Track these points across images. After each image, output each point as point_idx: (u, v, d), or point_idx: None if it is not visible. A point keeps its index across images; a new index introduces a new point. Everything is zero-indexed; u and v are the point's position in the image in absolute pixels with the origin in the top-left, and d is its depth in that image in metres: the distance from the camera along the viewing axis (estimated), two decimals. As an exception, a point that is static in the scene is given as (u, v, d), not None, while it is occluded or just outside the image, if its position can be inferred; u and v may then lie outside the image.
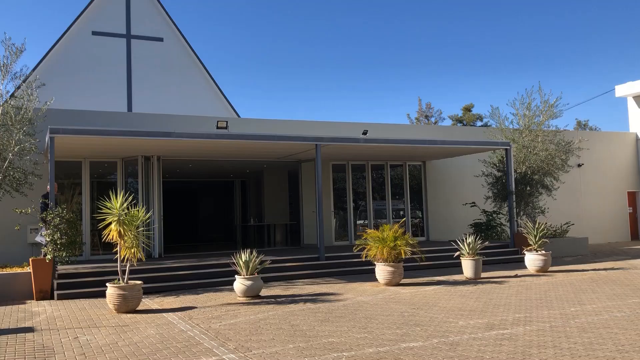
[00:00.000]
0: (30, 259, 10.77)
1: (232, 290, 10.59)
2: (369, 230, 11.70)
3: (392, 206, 18.91)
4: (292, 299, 9.86)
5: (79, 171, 14.99)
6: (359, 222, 18.55)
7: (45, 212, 11.02)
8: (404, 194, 19.21)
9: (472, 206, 18.59)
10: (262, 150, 14.95)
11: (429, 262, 13.51)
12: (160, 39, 26.08)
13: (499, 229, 18.16)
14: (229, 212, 24.83)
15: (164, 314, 8.85)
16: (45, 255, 10.78)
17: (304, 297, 10.03)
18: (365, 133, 14.22)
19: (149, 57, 25.37)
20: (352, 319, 7.91)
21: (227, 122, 12.74)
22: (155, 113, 18.06)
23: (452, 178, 19.83)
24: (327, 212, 17.54)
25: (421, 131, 20.50)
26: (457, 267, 13.80)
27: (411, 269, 13.31)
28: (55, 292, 10.58)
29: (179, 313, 8.83)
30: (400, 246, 11.12)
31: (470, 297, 9.63)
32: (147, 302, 10.03)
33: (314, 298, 9.93)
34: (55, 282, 10.81)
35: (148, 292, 11.12)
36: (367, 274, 12.85)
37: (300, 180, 17.49)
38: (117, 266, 9.45)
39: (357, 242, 11.67)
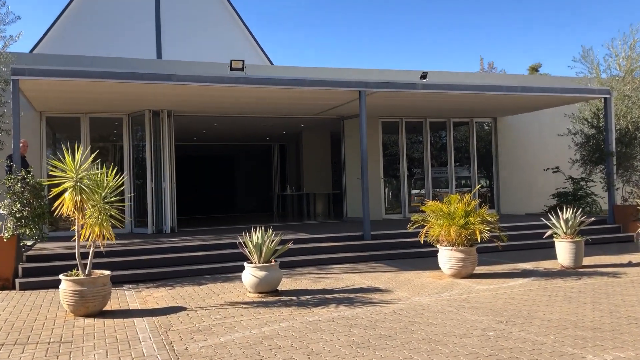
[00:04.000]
0: (-13, 238, 8.37)
1: (243, 281, 7.87)
2: (429, 202, 8.68)
3: (454, 173, 15.71)
4: (321, 298, 7.03)
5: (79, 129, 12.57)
6: (413, 191, 15.50)
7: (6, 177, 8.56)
8: (469, 158, 15.94)
9: (554, 172, 15.21)
10: (292, 102, 12.07)
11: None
12: (192, -14, 23.43)
13: (590, 199, 14.73)
14: (267, 180, 22.22)
15: (137, 319, 6.21)
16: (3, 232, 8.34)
17: (337, 296, 7.19)
18: (424, 77, 11.08)
19: (180, 5, 22.76)
20: (405, 343, 5.01)
21: (243, 61, 9.88)
22: (178, 60, 15.42)
23: (528, 138, 16.39)
24: (375, 179, 14.57)
25: (492, 80, 16.97)
26: (544, 250, 10.69)
27: (482, 252, 10.19)
28: (17, 281, 8.16)
29: (158, 318, 6.18)
30: (474, 224, 8.06)
31: (583, 301, 6.52)
32: (129, 297, 7.46)
33: (351, 297, 7.07)
34: (20, 267, 8.40)
35: (139, 279, 8.64)
36: (426, 259, 9.90)
37: (343, 140, 14.52)
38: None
39: (413, 218, 8.69)
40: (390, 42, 66.41)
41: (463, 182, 16.26)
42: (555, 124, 15.79)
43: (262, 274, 7.20)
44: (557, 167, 15.04)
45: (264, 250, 7.29)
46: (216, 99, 11.26)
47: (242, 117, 13.93)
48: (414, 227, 8.74)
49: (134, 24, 22.11)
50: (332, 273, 8.94)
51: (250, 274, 7.25)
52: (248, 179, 23.86)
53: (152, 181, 12.24)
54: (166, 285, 8.27)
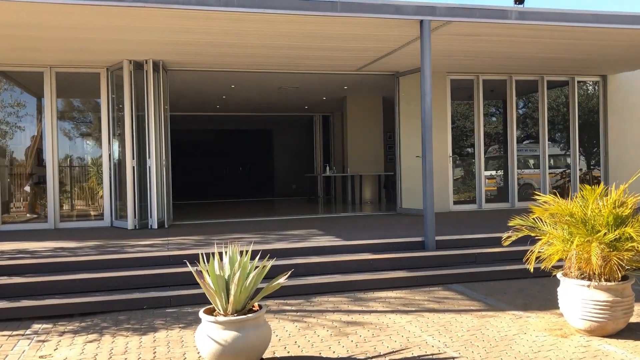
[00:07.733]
0: None
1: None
2: (544, 197, 4.96)
3: (546, 151, 11.72)
4: (340, 394, 3.53)
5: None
6: (485, 173, 11.55)
7: None
8: (567, 130, 11.90)
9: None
10: (324, 45, 8.49)
11: None
12: None
13: None
14: (309, 159, 18.79)
15: None
16: None
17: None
18: (520, 1, 7.24)
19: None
20: None
21: (236, -28, 6.42)
22: None
23: (651, 103, 12.13)
24: (441, 158, 10.81)
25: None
26: None
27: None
28: None
29: None
30: (635, 241, 4.32)
31: None
32: (12, 358, 4.24)
33: (401, 393, 3.54)
34: None
35: (64, 313, 5.60)
36: (523, 281, 6.23)
37: (397, 105, 10.81)
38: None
39: (512, 223, 5.01)
40: None
41: (554, 161, 12.22)
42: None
43: (229, 335, 3.75)
44: (699, 142, 10.85)
45: (233, 291, 3.82)
46: (209, 38, 7.83)
47: (263, 73, 10.47)
48: (511, 239, 5.06)
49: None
50: (371, 311, 5.41)
51: (208, 335, 3.81)
52: (286, 158, 20.52)
53: (133, 158, 9.01)
54: (94, 329, 5.01)
